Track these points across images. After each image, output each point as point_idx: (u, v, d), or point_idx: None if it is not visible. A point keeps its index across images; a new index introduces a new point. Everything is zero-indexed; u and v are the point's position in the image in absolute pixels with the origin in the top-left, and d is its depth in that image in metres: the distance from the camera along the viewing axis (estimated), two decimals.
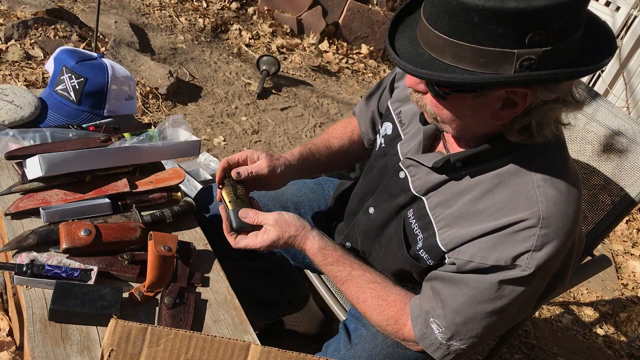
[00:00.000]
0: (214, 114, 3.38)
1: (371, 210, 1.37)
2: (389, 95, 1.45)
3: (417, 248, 1.21)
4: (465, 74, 0.94)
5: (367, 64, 4.78)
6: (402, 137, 1.33)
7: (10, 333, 1.64)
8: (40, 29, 3.18)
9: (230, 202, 1.26)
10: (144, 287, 1.20)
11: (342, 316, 1.56)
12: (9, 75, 2.79)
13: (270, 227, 1.22)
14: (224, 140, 3.19)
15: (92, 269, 1.18)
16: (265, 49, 4.34)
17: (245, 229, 1.24)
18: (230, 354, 0.81)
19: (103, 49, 3.34)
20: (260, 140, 3.32)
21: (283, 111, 3.70)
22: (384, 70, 4.83)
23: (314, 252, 1.24)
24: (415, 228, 1.22)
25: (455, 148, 1.20)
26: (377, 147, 1.43)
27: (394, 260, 1.29)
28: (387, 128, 1.39)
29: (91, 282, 1.16)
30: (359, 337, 1.32)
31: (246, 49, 4.25)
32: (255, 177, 1.33)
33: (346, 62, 4.67)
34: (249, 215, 1.23)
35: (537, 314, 2.73)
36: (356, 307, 1.26)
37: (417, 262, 1.22)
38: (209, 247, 1.37)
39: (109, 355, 0.78)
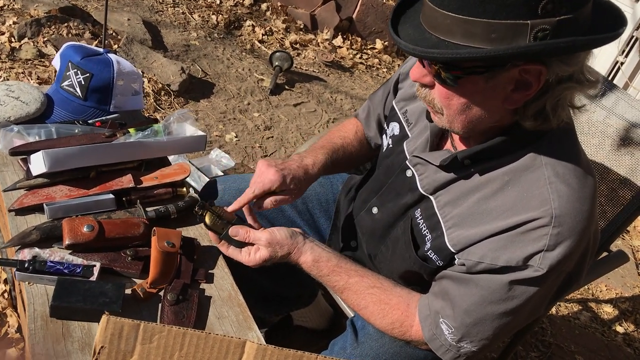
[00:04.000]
0: (226, 110, 3.37)
1: (374, 210, 1.34)
2: (394, 96, 1.42)
3: (426, 249, 1.17)
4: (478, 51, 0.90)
5: (381, 59, 4.73)
6: (409, 135, 1.30)
7: (19, 329, 1.65)
8: (53, 27, 3.20)
9: (220, 226, 1.23)
10: (147, 283, 1.18)
11: (350, 312, 1.53)
12: (22, 73, 2.81)
13: (262, 247, 1.20)
14: (236, 137, 3.18)
15: (95, 265, 1.17)
16: (278, 45, 4.32)
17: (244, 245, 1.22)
18: (225, 351, 0.79)
19: (115, 46, 3.35)
20: (272, 137, 3.30)
21: (296, 107, 3.67)
22: (399, 65, 4.78)
23: (308, 266, 1.21)
24: (424, 228, 1.19)
25: (462, 146, 1.17)
26: (385, 148, 1.39)
27: (402, 262, 1.25)
28: (394, 128, 1.36)
29: (93, 278, 1.15)
30: (366, 335, 1.29)
31: (259, 45, 4.24)
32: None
33: (360, 58, 4.63)
34: (239, 233, 1.21)
35: (554, 311, 2.67)
36: (359, 314, 1.24)
37: (426, 264, 1.19)
38: (213, 243, 1.35)
39: (99, 352, 0.76)
